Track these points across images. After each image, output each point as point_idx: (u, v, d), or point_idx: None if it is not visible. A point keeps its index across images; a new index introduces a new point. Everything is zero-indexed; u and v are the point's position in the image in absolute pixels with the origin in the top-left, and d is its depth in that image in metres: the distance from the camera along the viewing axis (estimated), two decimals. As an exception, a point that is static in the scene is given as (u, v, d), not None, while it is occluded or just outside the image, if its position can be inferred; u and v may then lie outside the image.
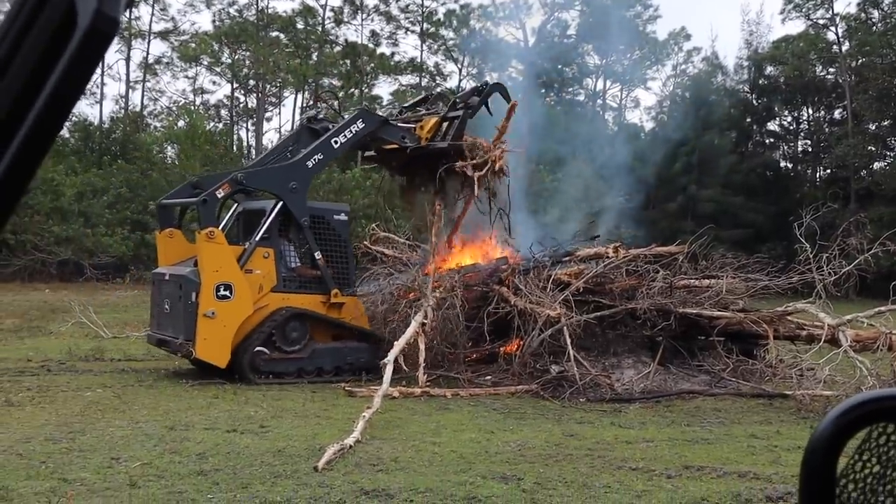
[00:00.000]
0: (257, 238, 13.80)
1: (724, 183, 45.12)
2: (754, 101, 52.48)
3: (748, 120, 52.21)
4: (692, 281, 15.50)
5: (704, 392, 13.38)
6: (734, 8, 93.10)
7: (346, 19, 54.63)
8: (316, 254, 14.18)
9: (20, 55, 0.84)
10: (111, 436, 9.21)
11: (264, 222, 13.90)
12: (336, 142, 14.69)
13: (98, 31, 0.83)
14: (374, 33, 55.35)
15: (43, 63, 0.84)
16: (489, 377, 13.92)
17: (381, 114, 17.21)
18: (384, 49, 55.72)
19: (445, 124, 15.67)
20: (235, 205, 15.12)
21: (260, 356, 13.48)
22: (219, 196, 13.80)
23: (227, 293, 13.15)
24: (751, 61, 52.68)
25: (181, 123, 49.15)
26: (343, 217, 14.96)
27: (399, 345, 12.85)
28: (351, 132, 14.79)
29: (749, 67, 52.95)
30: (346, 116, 17.47)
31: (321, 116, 15.85)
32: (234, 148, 51.39)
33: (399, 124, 16.02)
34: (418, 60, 55.78)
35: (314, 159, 14.44)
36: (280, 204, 14.01)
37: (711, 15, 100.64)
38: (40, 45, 0.84)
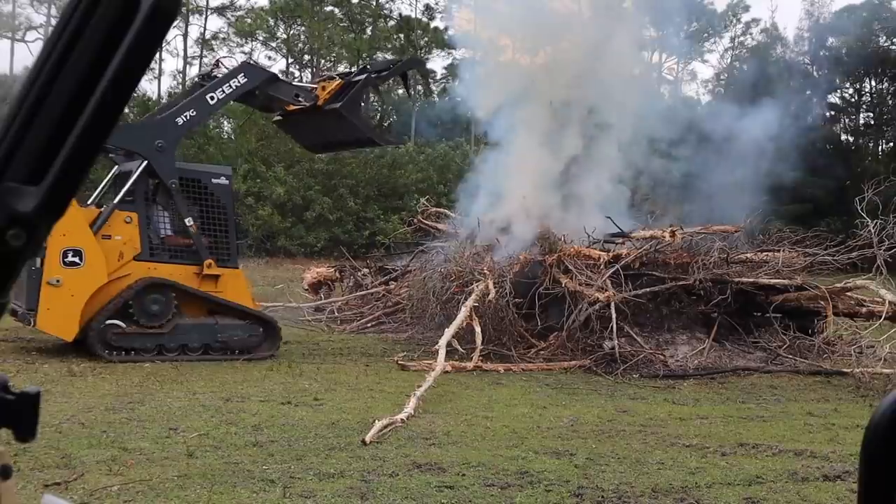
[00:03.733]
0: (116, 201, 12.58)
1: (781, 157, 44.24)
2: (815, 73, 51.36)
3: (808, 92, 51.14)
4: (749, 255, 15.29)
5: (760, 369, 13.24)
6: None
7: (400, -7, 54.56)
8: (186, 220, 12.85)
9: (86, 34, 0.86)
10: (169, 406, 9.38)
11: (127, 184, 12.65)
12: (212, 97, 13.40)
13: (161, 10, 0.84)
14: (427, 7, 55.23)
15: (108, 42, 0.85)
16: (542, 352, 13.89)
17: (270, 69, 15.72)
18: (438, 23, 55.59)
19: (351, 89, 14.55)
20: (115, 167, 13.77)
21: (111, 330, 12.22)
22: None
23: (77, 259, 11.85)
24: (812, 32, 51.54)
25: (237, 98, 49.50)
26: (223, 181, 13.56)
27: (450, 330, 12.83)
28: (231, 87, 13.49)
29: (810, 38, 51.81)
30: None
31: (215, 74, 14.41)
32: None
33: (294, 83, 15.35)
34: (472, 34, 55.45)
35: (185, 115, 13.11)
36: (145, 164, 12.65)
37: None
38: (105, 24, 0.85)
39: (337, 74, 15.21)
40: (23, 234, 0.87)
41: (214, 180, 13.41)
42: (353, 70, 15.83)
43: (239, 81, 13.59)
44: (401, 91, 57.03)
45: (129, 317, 12.38)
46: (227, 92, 13.51)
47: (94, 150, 0.88)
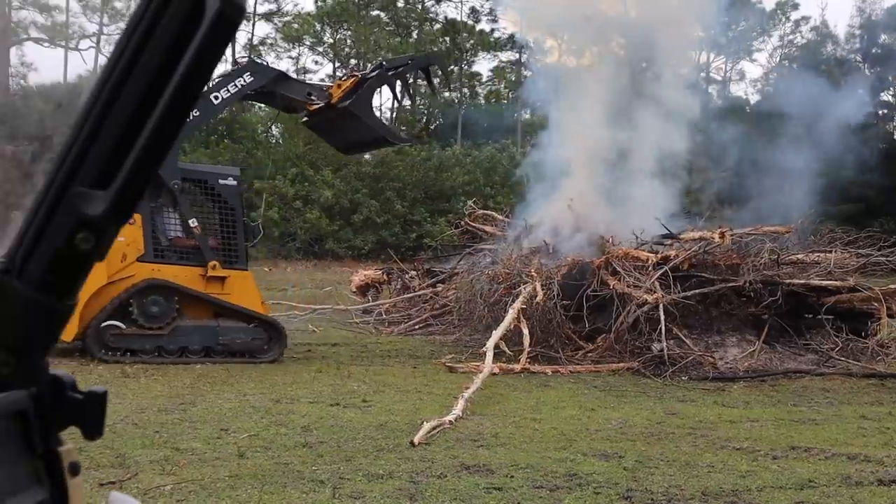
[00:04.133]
0: None
1: (832, 157, 43.58)
2: (867, 71, 50.46)
3: (860, 91, 50.26)
4: (800, 256, 15.09)
5: (812, 371, 13.04)
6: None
7: (445, -4, 54.68)
8: (190, 221, 12.78)
9: (153, 40, 0.89)
10: (220, 408, 9.50)
11: None
12: (217, 97, 13.10)
13: (225, 17, 0.87)
14: (473, 10, 55.25)
15: (174, 47, 0.88)
16: (589, 354, 13.82)
17: (278, 68, 14.94)
18: (483, 25, 55.62)
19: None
20: None
21: (109, 331, 12.24)
22: None
23: None
24: (863, 29, 50.70)
25: (285, 103, 49.95)
26: (231, 182, 13.32)
27: (498, 332, 12.84)
28: (236, 86, 13.20)
29: (861, 36, 50.97)
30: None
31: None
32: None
33: (307, 81, 14.89)
34: (518, 36, 55.45)
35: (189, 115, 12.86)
36: None
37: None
38: (171, 32, 0.88)
39: (357, 73, 14.85)
40: (91, 238, 0.91)
41: (221, 181, 13.22)
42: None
43: (245, 80, 13.32)
44: (448, 93, 57.42)
45: (129, 317, 12.37)
46: (232, 91, 13.24)
47: (161, 155, 0.91)
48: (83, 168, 0.91)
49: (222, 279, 12.91)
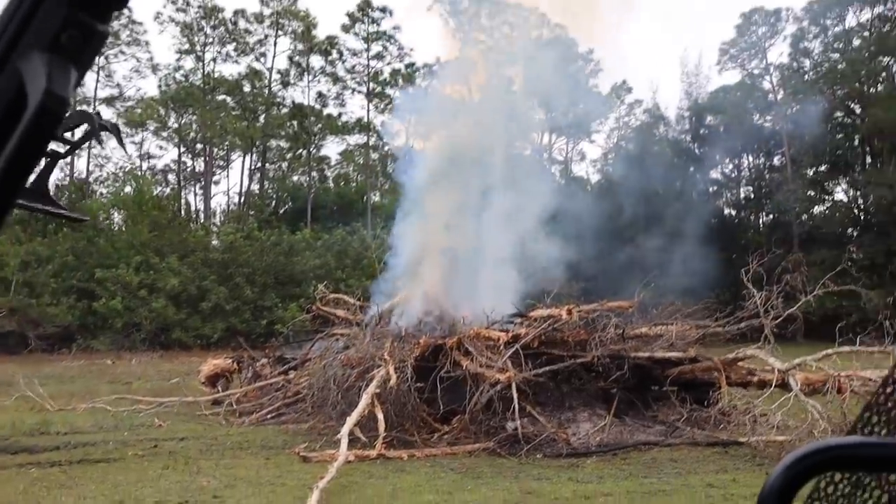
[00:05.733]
0: None
1: (669, 232, 45.71)
2: (696, 150, 53.46)
3: (691, 169, 53.12)
4: (644, 329, 15.63)
5: (660, 442, 13.40)
6: (673, 60, 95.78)
7: (292, 81, 55.00)
8: None
9: None
10: (58, 514, 8.96)
11: None
12: None
13: (47, 110, 0.83)
14: (320, 94, 55.72)
15: None
16: (445, 436, 13.79)
17: None
18: (331, 110, 56.14)
19: None
20: None
21: None
22: None
23: None
24: (691, 111, 53.85)
25: (128, 189, 48.92)
26: None
27: (352, 419, 12.68)
28: None
29: (690, 118, 54.10)
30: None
31: None
32: (182, 212, 51.21)
33: None
34: (365, 120, 56.13)
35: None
36: None
37: (651, 68, 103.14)
38: None
39: None
40: None
41: None
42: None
43: None
44: (296, 177, 57.25)
45: None
46: None
47: None
48: None
49: None
